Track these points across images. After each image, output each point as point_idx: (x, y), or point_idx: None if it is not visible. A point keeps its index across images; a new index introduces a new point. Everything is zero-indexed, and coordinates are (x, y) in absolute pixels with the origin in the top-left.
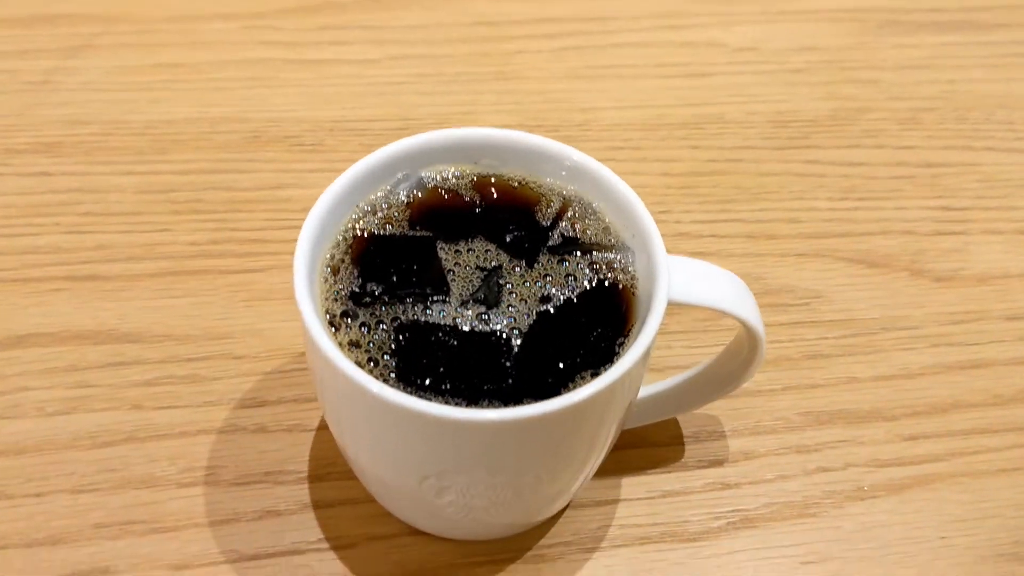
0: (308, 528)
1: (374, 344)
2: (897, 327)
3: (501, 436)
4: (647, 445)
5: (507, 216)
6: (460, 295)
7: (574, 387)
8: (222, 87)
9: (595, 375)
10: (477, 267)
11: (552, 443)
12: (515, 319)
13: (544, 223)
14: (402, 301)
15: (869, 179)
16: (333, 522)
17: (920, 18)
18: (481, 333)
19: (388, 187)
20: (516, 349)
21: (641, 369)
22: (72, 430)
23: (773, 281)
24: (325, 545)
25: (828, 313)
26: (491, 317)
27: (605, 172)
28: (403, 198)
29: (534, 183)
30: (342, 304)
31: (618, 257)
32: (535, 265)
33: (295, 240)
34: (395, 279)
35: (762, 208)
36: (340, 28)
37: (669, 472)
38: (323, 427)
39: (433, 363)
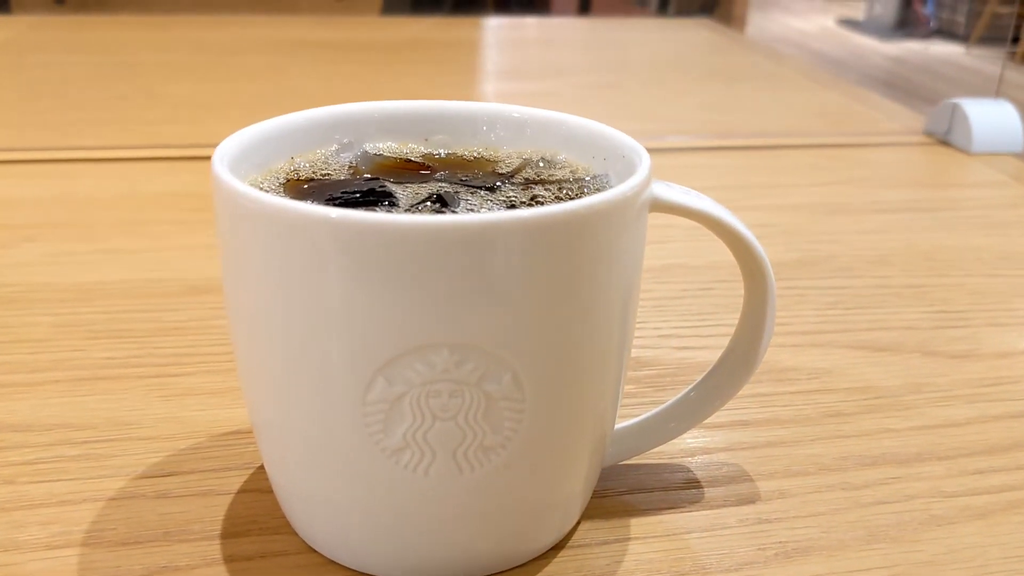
0: None
1: None
2: (924, 391)
3: (461, 253)
4: (657, 489)
5: (463, 171)
6: (411, 202)
7: None
8: (163, 260)
9: None
10: (430, 193)
11: (527, 291)
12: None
13: (505, 171)
14: (342, 207)
15: (854, 296)
16: (249, 574)
17: (866, 207)
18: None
19: (329, 151)
20: None
21: (633, 219)
22: None
23: (773, 363)
24: None
25: (843, 382)
26: (449, 214)
27: (566, 117)
28: (345, 162)
29: (491, 154)
30: None
31: (590, 179)
32: (496, 192)
33: (227, 352)
34: (335, 196)
35: None
36: None
37: (691, 512)
38: (244, 490)
39: None
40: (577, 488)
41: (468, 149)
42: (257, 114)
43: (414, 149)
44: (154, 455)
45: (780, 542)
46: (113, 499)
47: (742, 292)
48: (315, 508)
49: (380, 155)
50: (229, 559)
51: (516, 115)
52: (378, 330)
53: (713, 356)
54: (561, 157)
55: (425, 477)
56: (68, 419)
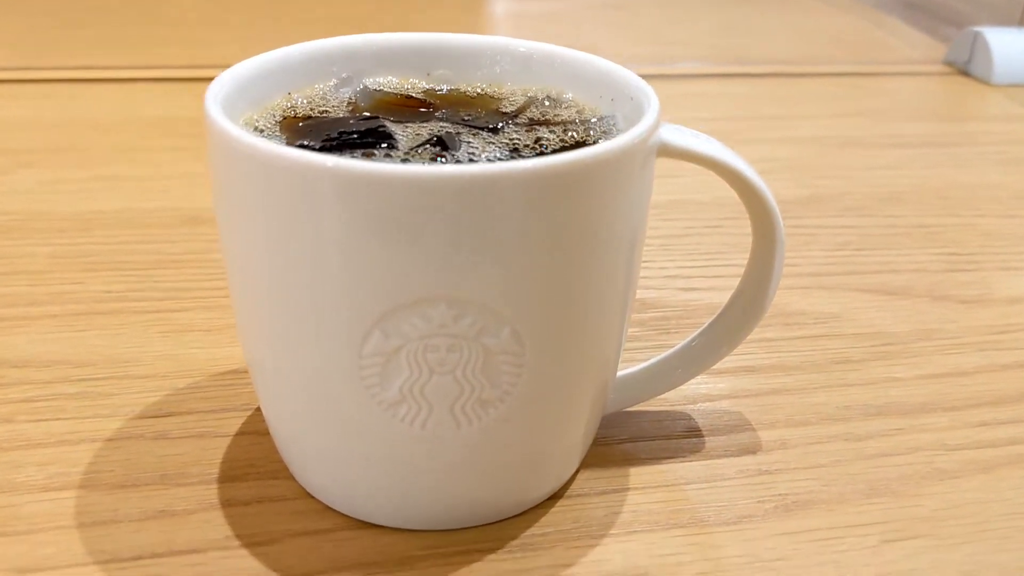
0: (213, 527)
1: None
2: (933, 337)
3: (458, 203)
4: (658, 438)
5: (465, 109)
6: (410, 144)
7: None
8: (162, 188)
9: None
10: (430, 133)
11: (528, 245)
12: (479, 161)
13: (508, 111)
14: (339, 149)
15: (862, 236)
16: (248, 519)
17: (879, 141)
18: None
19: (328, 86)
20: None
21: (639, 167)
22: None
23: (781, 306)
24: (235, 543)
25: (850, 328)
26: (449, 158)
27: (573, 54)
28: (344, 98)
29: (495, 91)
30: None
31: (596, 121)
32: (499, 133)
33: (225, 288)
34: (332, 136)
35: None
36: None
37: (690, 461)
38: (242, 432)
39: None
40: (577, 439)
41: (471, 85)
42: (260, 32)
43: (415, 84)
44: (152, 394)
45: (780, 494)
46: (111, 440)
47: (751, 234)
48: (312, 456)
49: (380, 91)
50: (226, 504)
51: (522, 50)
52: (373, 283)
53: (720, 298)
54: (567, 96)
55: (422, 430)
56: (66, 355)
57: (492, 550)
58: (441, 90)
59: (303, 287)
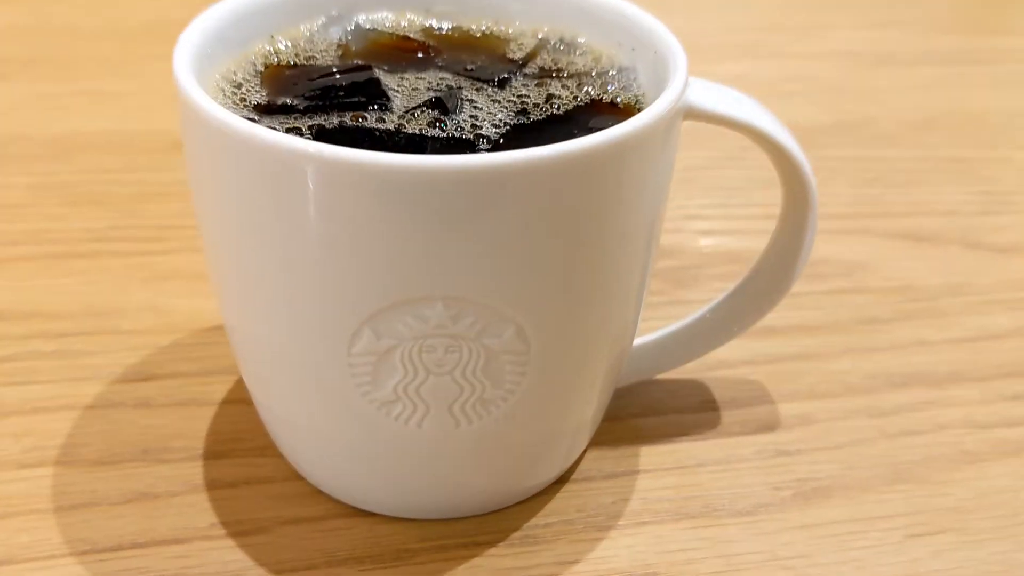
0: (197, 512)
1: None
2: (963, 293)
3: (455, 198)
4: (672, 412)
5: (468, 55)
6: (405, 106)
7: None
8: (147, 106)
9: None
10: (429, 88)
11: (533, 239)
12: (481, 129)
13: (517, 59)
14: (325, 111)
15: (892, 171)
16: (234, 504)
17: (913, 58)
18: (436, 139)
19: (314, 26)
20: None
21: (660, 147)
22: None
23: None
24: (220, 531)
25: (876, 281)
26: (448, 124)
27: None
28: (334, 40)
29: (501, 30)
30: (242, 114)
31: (616, 77)
32: (506, 88)
33: None
34: (317, 94)
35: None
36: None
37: (705, 439)
38: (228, 400)
39: None
40: (585, 424)
41: (475, 22)
42: None
43: (413, 22)
44: (133, 353)
45: (798, 479)
46: (90, 407)
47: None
48: (300, 441)
49: (374, 31)
50: (211, 485)
51: None
52: (361, 280)
53: (740, 244)
54: (582, 40)
55: (418, 428)
56: (43, 305)
57: (493, 543)
58: (442, 29)
59: (283, 279)
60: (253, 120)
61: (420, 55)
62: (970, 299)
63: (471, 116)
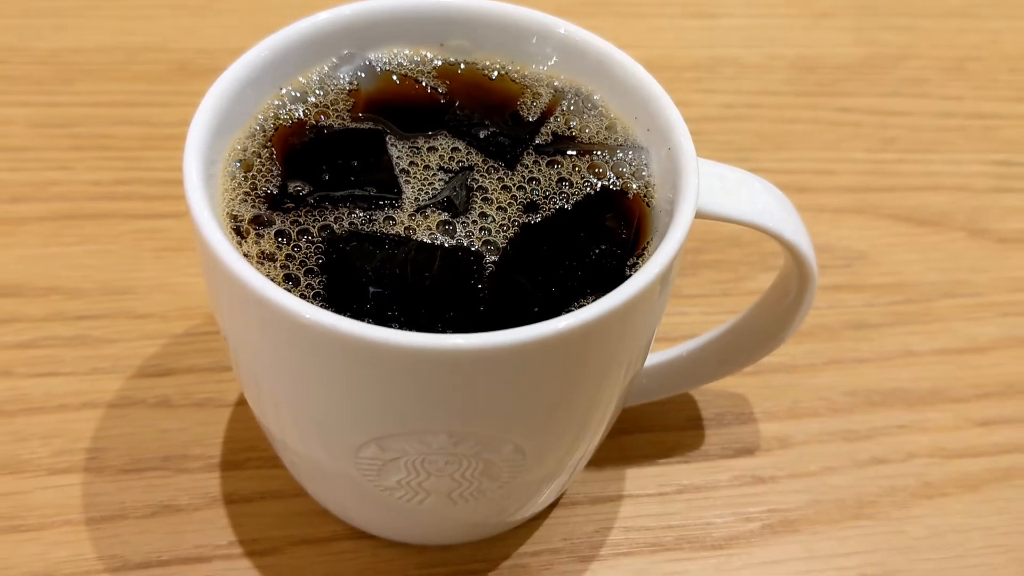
0: (217, 528)
1: (293, 258)
2: (958, 293)
3: (469, 374)
4: (658, 429)
5: (481, 111)
6: (416, 200)
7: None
8: (144, 15)
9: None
10: (440, 168)
11: (538, 391)
12: (490, 231)
13: (529, 119)
14: (335, 205)
15: (912, 130)
16: (250, 521)
17: None
18: (443, 248)
19: (325, 68)
20: (491, 269)
21: (658, 294)
22: None
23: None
24: (238, 550)
25: (873, 276)
26: (458, 228)
27: (609, 50)
28: (344, 84)
29: (516, 72)
30: (253, 207)
31: (627, 157)
32: (517, 167)
33: None
34: (327, 178)
35: (788, 158)
36: None
37: (687, 463)
38: (243, 402)
39: (374, 283)
40: (572, 476)
41: (490, 58)
42: None
43: (426, 57)
44: (150, 343)
45: (768, 510)
46: (113, 406)
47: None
48: (309, 482)
49: (386, 71)
50: (228, 499)
51: (562, 31)
52: (368, 414)
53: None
54: (597, 97)
55: (419, 506)
56: (59, 280)
57: (484, 572)
58: (456, 64)
59: (297, 403)
60: (264, 218)
61: (431, 107)
62: (964, 301)
63: (479, 216)
